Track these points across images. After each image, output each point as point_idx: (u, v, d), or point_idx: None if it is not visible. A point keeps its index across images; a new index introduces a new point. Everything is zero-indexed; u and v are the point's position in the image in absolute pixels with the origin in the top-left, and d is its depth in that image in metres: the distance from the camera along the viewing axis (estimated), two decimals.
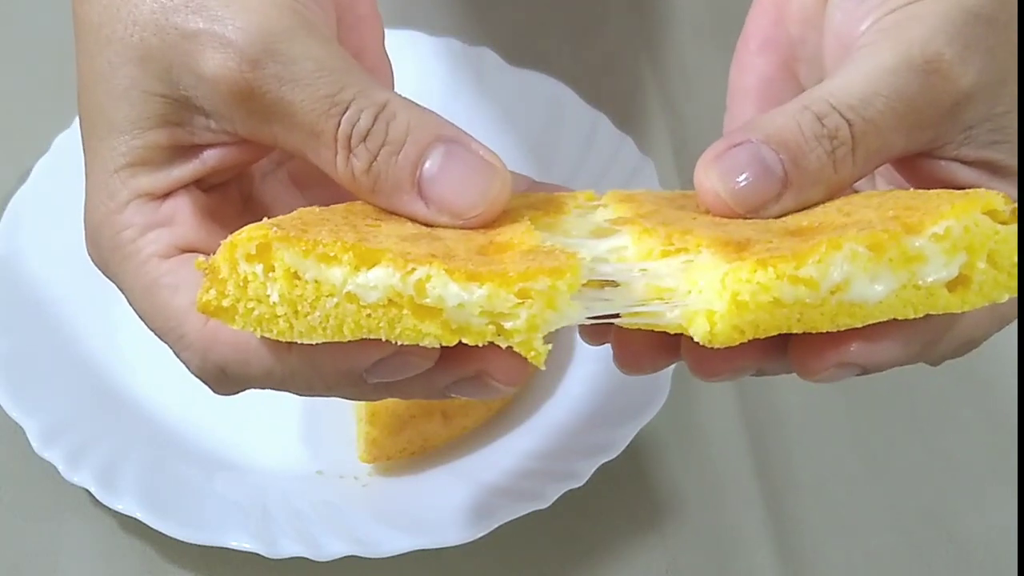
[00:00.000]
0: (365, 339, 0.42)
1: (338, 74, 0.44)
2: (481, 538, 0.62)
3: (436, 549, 0.61)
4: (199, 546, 0.62)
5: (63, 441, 0.64)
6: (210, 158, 0.47)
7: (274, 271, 0.42)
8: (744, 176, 0.44)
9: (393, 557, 0.61)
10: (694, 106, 0.84)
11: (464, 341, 0.42)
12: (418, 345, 0.42)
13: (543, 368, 0.42)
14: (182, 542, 0.62)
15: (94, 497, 0.63)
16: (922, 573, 0.67)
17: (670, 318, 0.43)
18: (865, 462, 0.70)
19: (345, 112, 0.44)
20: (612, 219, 0.46)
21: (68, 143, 0.75)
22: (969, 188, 0.45)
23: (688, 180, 0.80)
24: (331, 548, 0.61)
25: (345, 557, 0.61)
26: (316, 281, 0.42)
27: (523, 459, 0.65)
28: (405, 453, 0.66)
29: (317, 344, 0.42)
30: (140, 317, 0.47)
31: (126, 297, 0.47)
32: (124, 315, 0.71)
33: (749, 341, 0.42)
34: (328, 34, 0.46)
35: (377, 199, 0.45)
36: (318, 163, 0.45)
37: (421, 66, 0.79)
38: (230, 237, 0.42)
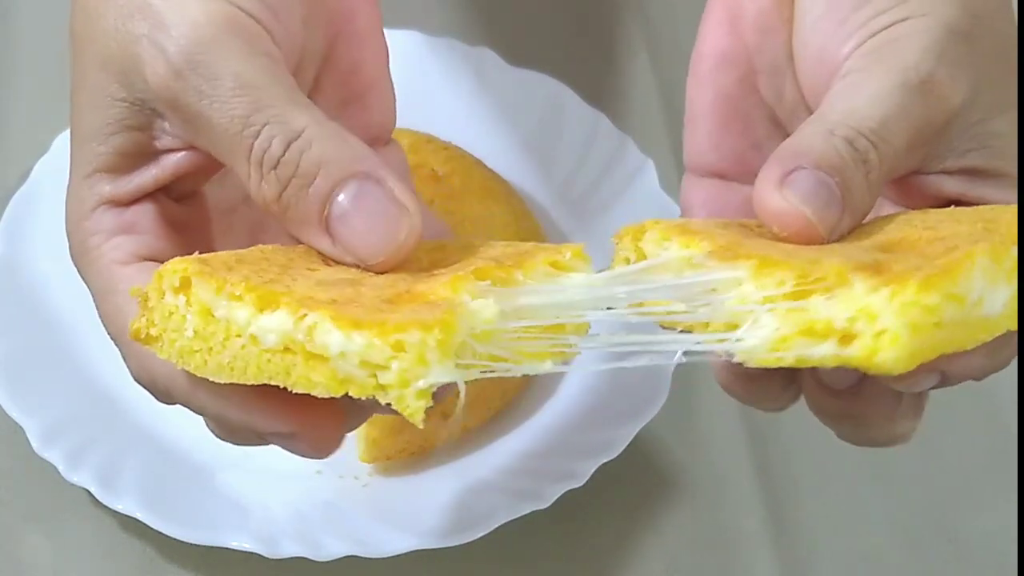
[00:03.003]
0: (270, 409, 0.42)
1: (256, 94, 0.44)
2: (481, 538, 0.62)
3: (436, 549, 0.61)
4: (199, 546, 0.62)
5: (63, 441, 0.64)
6: (169, 163, 0.47)
7: (192, 306, 0.42)
8: (821, 198, 0.44)
9: (393, 557, 0.61)
10: None
11: (350, 393, 0.40)
12: (313, 433, 0.42)
13: (420, 427, 0.39)
14: (182, 542, 0.62)
15: (94, 497, 0.63)
16: (922, 573, 0.67)
17: (849, 352, 0.40)
18: (865, 462, 0.70)
19: (258, 136, 0.43)
20: (708, 252, 0.44)
21: (68, 143, 0.75)
22: (956, 197, 0.47)
23: None
24: (331, 548, 0.61)
25: (345, 557, 0.61)
26: (226, 320, 0.41)
27: (523, 459, 0.65)
28: (405, 453, 0.66)
29: (229, 391, 0.42)
30: (100, 320, 0.47)
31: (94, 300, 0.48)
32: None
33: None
34: (267, 48, 0.45)
35: (288, 228, 0.45)
36: (241, 181, 0.45)
37: (421, 66, 0.79)
38: (161, 267, 0.42)
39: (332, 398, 0.40)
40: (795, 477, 0.69)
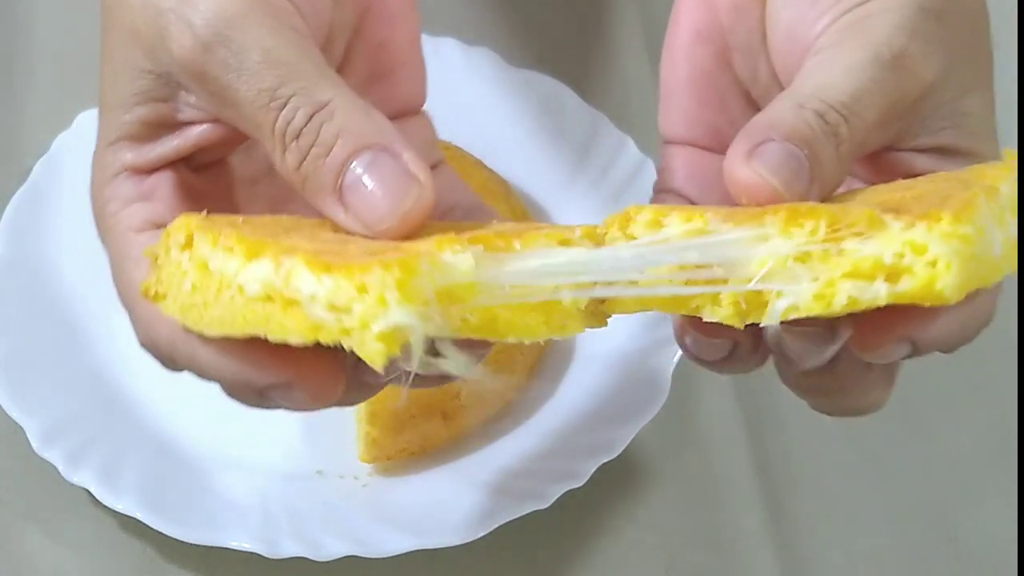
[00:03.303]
0: (265, 361, 0.42)
1: (284, 68, 0.44)
2: (481, 538, 0.62)
3: (436, 549, 0.61)
4: (199, 546, 0.62)
5: (63, 441, 0.64)
6: (192, 135, 0.48)
7: (192, 260, 0.42)
8: (790, 169, 0.44)
9: (393, 557, 0.61)
10: None
11: (320, 340, 0.39)
12: (309, 382, 0.42)
13: (380, 372, 0.39)
14: (182, 542, 0.62)
15: (94, 497, 0.63)
16: (922, 573, 0.67)
17: (904, 287, 0.40)
18: (865, 462, 0.70)
19: (283, 108, 0.44)
20: (723, 217, 0.43)
21: (68, 143, 0.75)
22: (927, 174, 0.47)
23: None
24: (331, 548, 0.61)
25: (345, 557, 0.61)
26: (219, 272, 0.41)
27: (523, 459, 0.65)
28: (405, 453, 0.66)
29: (227, 348, 0.42)
30: (114, 286, 0.48)
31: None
32: (125, 315, 0.71)
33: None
34: (295, 23, 0.46)
35: (307, 198, 0.45)
36: (267, 152, 0.46)
37: None
38: (169, 224, 0.43)
39: (328, 350, 0.40)
40: (795, 477, 0.69)
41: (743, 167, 0.44)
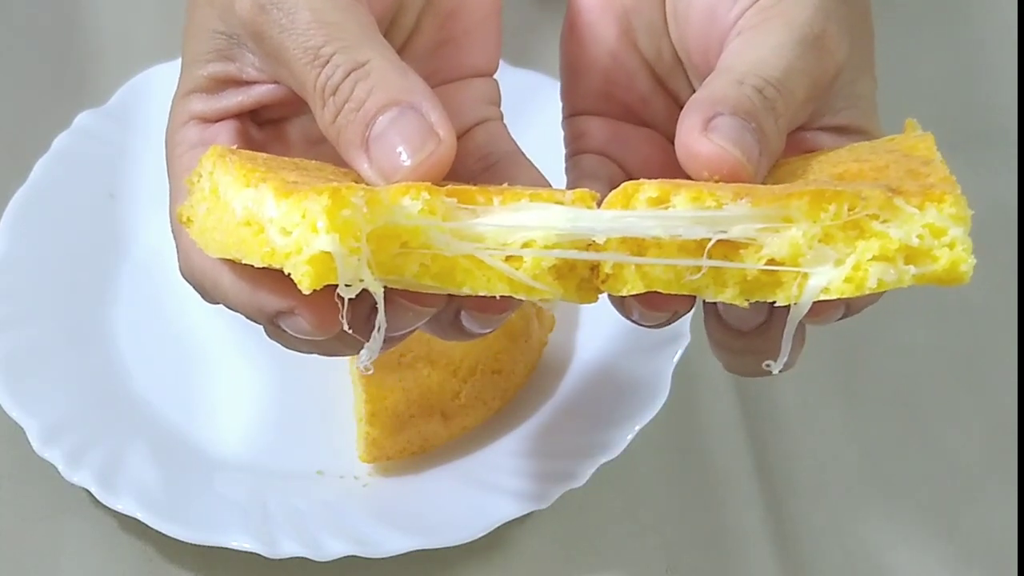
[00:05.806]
0: (272, 286, 0.44)
1: (329, 28, 0.46)
2: (481, 538, 0.62)
3: (436, 549, 0.61)
4: (199, 546, 0.62)
5: (63, 441, 0.64)
6: (253, 93, 0.50)
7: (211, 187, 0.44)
8: (746, 141, 0.45)
9: (393, 557, 0.61)
10: None
11: (271, 264, 0.41)
12: (308, 310, 0.43)
13: (306, 291, 0.40)
14: (182, 542, 0.62)
15: (94, 497, 0.63)
16: (922, 573, 0.67)
17: (930, 268, 0.42)
18: (865, 462, 0.70)
19: (325, 65, 0.46)
20: (748, 199, 0.43)
21: (68, 143, 0.75)
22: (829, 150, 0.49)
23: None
24: (331, 548, 0.61)
25: (345, 557, 0.61)
26: (224, 198, 0.43)
27: (523, 459, 0.65)
28: (405, 453, 0.66)
29: (244, 275, 0.44)
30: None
31: None
32: (124, 315, 0.71)
33: None
34: None
35: (341, 153, 0.47)
36: (312, 109, 0.48)
37: None
38: (203, 154, 0.45)
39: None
40: (795, 477, 0.69)
41: (703, 141, 0.45)
